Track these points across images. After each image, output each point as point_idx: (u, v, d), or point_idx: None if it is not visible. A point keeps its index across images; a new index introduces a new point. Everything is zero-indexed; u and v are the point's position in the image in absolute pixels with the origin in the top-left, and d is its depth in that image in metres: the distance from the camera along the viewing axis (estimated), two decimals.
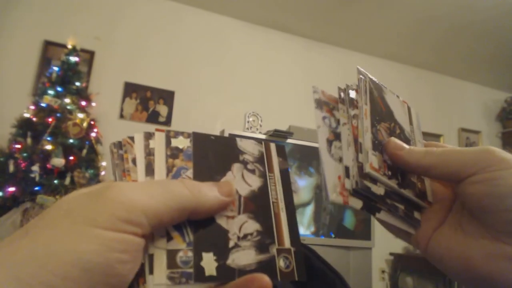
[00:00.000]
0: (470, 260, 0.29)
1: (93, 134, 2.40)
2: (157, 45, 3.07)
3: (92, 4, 2.92)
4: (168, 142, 0.29)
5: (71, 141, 2.24)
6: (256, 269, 0.27)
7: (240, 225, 0.28)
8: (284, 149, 0.34)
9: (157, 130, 0.30)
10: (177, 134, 0.30)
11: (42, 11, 2.76)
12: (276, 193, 0.31)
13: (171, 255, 0.25)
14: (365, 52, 3.79)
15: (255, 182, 0.31)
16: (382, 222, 0.34)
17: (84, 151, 2.30)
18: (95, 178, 2.29)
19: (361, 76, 0.36)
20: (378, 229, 2.76)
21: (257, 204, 0.30)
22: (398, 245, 3.44)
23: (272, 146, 0.34)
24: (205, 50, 3.23)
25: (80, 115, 2.33)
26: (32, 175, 2.08)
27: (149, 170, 0.28)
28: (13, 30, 2.67)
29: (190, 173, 0.28)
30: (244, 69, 3.33)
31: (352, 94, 0.36)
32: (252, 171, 0.31)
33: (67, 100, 2.31)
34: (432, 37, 3.40)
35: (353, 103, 0.35)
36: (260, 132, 3.04)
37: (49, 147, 2.14)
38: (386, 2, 2.93)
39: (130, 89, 2.93)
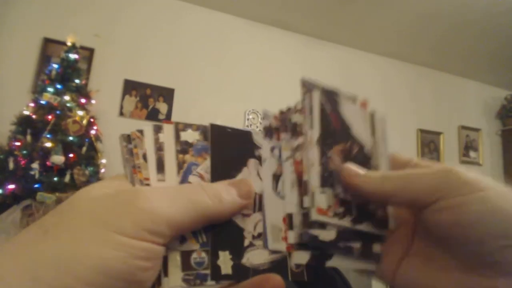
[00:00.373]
0: None
1: (92, 132, 2.40)
2: (157, 43, 3.06)
3: (92, 1, 2.91)
4: (177, 136, 0.28)
5: (70, 138, 2.23)
6: (269, 269, 0.27)
7: (255, 223, 0.28)
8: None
9: (165, 122, 0.29)
10: (186, 127, 0.29)
11: (42, 9, 2.75)
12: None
13: (185, 256, 0.25)
14: (365, 49, 3.79)
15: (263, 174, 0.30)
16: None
17: (84, 149, 2.30)
18: (95, 176, 2.29)
19: (307, 90, 0.31)
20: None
21: None
22: None
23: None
24: (205, 48, 3.22)
25: (80, 113, 2.33)
26: (32, 173, 2.07)
27: (160, 166, 0.27)
28: (13, 28, 2.66)
29: (201, 169, 0.28)
30: (244, 67, 3.32)
31: (296, 118, 0.31)
32: None
33: (67, 98, 2.31)
34: (432, 34, 3.39)
35: (296, 131, 0.31)
36: (260, 130, 3.04)
37: (48, 144, 2.14)
38: (386, 0, 2.92)
39: (130, 87, 2.92)
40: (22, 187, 2.05)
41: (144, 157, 0.27)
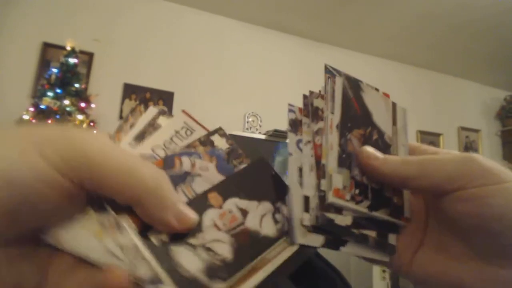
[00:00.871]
0: (462, 286, 0.25)
1: None
2: (156, 46, 3.07)
3: (91, 6, 2.92)
4: (211, 133, 0.30)
5: None
6: (184, 279, 0.23)
7: (215, 239, 0.25)
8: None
9: (183, 111, 0.30)
10: (224, 135, 0.30)
11: (41, 13, 2.76)
12: (277, 255, 0.28)
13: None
14: (363, 51, 3.79)
15: (268, 229, 0.28)
16: (349, 255, 0.29)
17: None
18: None
19: (329, 75, 0.32)
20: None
21: (249, 244, 0.27)
22: None
23: None
24: (204, 51, 3.23)
25: (80, 117, 2.33)
26: None
27: (139, 136, 0.28)
28: (12, 32, 2.67)
29: (199, 162, 0.28)
30: (243, 70, 3.33)
31: (317, 102, 0.31)
32: (276, 222, 0.29)
33: (67, 102, 2.31)
34: (431, 36, 3.40)
35: (317, 115, 0.31)
36: (259, 132, 3.04)
37: None
38: (384, 1, 2.93)
39: (130, 90, 2.93)
40: None
41: (132, 126, 0.29)
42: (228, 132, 0.31)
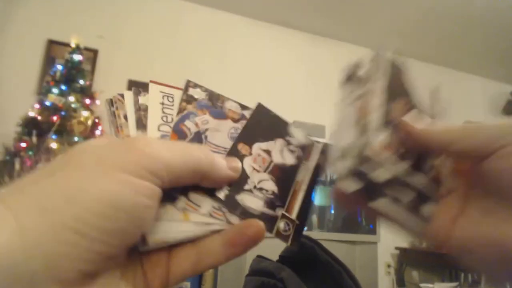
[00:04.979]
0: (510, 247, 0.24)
1: (98, 132, 2.41)
2: (160, 43, 3.07)
3: (96, 2, 2.93)
4: (186, 89, 0.33)
5: (76, 139, 2.25)
6: (257, 216, 0.29)
7: (261, 179, 0.31)
8: (328, 149, 0.33)
9: (151, 82, 0.33)
10: (196, 85, 0.34)
11: (46, 10, 2.77)
12: (303, 176, 0.33)
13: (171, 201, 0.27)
14: (369, 46, 3.76)
15: (289, 159, 0.33)
16: (382, 214, 0.29)
17: None
18: None
19: (377, 54, 0.35)
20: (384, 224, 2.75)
21: (283, 175, 0.32)
22: (404, 240, 3.43)
23: (320, 144, 0.35)
24: (209, 47, 3.22)
25: (85, 113, 2.34)
26: None
27: (140, 124, 0.30)
28: (17, 30, 2.68)
29: (198, 119, 0.31)
30: (248, 65, 3.33)
31: (361, 72, 0.34)
32: (292, 152, 0.34)
33: (72, 99, 2.32)
34: (437, 30, 3.38)
35: (361, 81, 0.33)
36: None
37: (54, 145, 2.16)
38: None
39: (134, 87, 2.93)
40: None
41: (126, 117, 0.30)
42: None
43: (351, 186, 0.28)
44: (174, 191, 0.27)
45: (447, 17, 3.16)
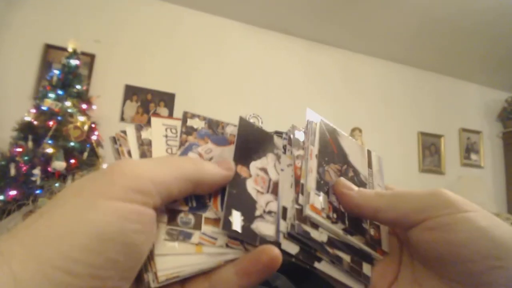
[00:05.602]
0: None
1: (94, 137, 2.40)
2: (157, 48, 3.07)
3: (93, 7, 2.93)
4: (184, 121, 0.32)
5: (72, 144, 2.24)
6: (275, 242, 0.28)
7: (267, 201, 0.30)
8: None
9: (153, 115, 0.32)
10: (193, 116, 0.33)
11: (43, 15, 2.77)
12: None
13: (172, 213, 0.26)
14: (366, 53, 3.79)
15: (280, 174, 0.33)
16: (323, 274, 0.29)
17: (85, 154, 2.30)
18: None
19: (311, 119, 0.35)
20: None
21: None
22: None
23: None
24: (206, 53, 3.23)
25: (81, 118, 2.33)
26: (33, 179, 2.07)
27: (144, 157, 0.30)
28: (14, 34, 2.67)
29: (201, 149, 0.31)
30: (245, 71, 3.33)
31: (298, 135, 0.34)
32: None
33: (68, 103, 2.31)
34: (433, 38, 3.40)
35: (298, 144, 0.34)
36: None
37: (50, 150, 2.14)
38: (387, 4, 2.93)
39: (131, 92, 2.93)
40: (23, 193, 2.05)
41: (129, 153, 0.30)
42: (229, 133, 0.34)
43: (294, 248, 0.28)
44: (177, 212, 0.26)
45: (444, 25, 3.18)
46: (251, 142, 0.32)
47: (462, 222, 0.24)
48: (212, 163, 0.28)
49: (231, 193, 0.28)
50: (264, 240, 0.27)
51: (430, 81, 4.08)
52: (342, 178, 0.32)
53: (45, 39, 2.73)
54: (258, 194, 0.30)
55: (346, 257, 0.30)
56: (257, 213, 0.28)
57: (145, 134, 0.31)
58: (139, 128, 0.31)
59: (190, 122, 0.32)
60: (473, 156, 4.10)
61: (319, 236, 0.29)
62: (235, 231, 0.26)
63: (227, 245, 0.27)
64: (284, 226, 0.28)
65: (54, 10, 2.80)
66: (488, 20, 3.07)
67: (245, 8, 3.19)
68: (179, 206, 0.27)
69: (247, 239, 0.27)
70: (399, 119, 3.78)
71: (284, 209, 0.29)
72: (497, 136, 4.28)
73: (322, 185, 0.31)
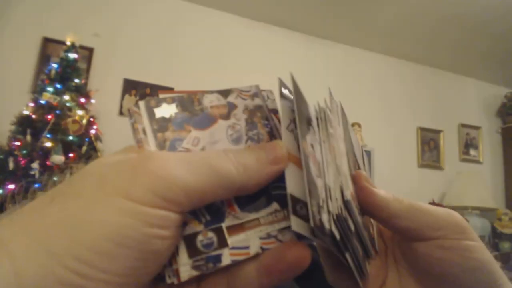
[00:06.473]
0: None
1: (92, 131, 2.40)
2: (156, 42, 3.06)
3: (91, 0, 2.91)
4: (151, 114, 0.25)
5: (70, 138, 2.23)
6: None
7: (321, 186, 0.25)
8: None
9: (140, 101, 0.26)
10: (159, 102, 0.25)
11: (41, 8, 2.75)
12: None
13: (190, 241, 0.22)
14: (364, 47, 3.78)
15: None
16: (335, 267, 0.29)
17: (84, 148, 2.30)
18: None
19: (334, 98, 0.32)
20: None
21: None
22: None
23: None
24: (205, 47, 3.21)
25: (80, 112, 2.32)
26: (32, 172, 2.07)
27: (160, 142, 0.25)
28: (12, 27, 2.66)
29: (187, 143, 0.25)
30: (244, 65, 3.32)
31: (328, 112, 0.30)
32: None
33: (67, 97, 2.30)
34: (432, 33, 3.39)
35: (330, 121, 0.29)
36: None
37: (48, 144, 2.14)
38: None
39: (130, 86, 2.92)
40: (22, 187, 2.05)
41: (144, 131, 0.25)
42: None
43: (337, 234, 0.24)
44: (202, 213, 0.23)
45: (440, 19, 3.17)
46: (302, 112, 0.26)
47: (475, 251, 0.26)
48: (256, 154, 0.23)
49: (311, 181, 0.22)
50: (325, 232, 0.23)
51: (430, 77, 4.07)
52: (362, 171, 0.30)
53: (44, 32, 2.71)
54: (316, 178, 0.24)
55: (360, 250, 0.28)
56: (321, 202, 0.23)
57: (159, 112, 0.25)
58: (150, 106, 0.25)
59: (158, 112, 0.25)
60: (472, 152, 4.10)
61: (351, 225, 0.26)
62: (329, 230, 0.22)
63: (262, 249, 0.23)
64: (333, 207, 0.24)
65: (52, 3, 2.78)
66: (488, 17, 3.06)
67: (245, 3, 3.18)
68: (193, 227, 0.22)
69: (324, 238, 0.22)
70: (398, 114, 3.77)
71: (328, 188, 0.24)
72: (496, 131, 4.28)
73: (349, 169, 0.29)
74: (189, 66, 3.12)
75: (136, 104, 0.25)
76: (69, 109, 2.29)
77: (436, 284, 0.27)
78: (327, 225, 0.22)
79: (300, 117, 0.24)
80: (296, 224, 0.22)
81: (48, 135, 2.16)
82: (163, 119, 0.25)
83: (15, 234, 0.18)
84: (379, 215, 0.29)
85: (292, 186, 0.23)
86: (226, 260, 0.22)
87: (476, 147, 4.13)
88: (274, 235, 0.23)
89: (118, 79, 2.89)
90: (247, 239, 0.23)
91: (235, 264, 0.23)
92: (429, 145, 3.89)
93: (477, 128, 4.17)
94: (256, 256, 0.23)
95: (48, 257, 0.17)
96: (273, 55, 3.45)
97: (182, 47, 3.14)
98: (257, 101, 0.28)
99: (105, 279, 0.18)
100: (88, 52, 2.79)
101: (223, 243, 0.22)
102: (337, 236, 0.23)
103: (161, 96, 0.26)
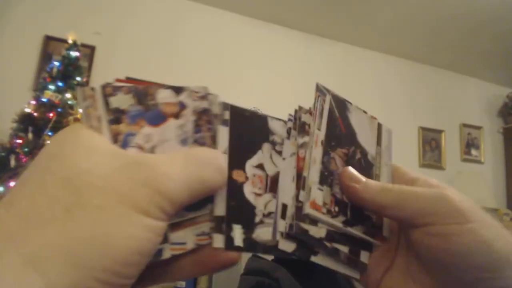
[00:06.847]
0: None
1: None
2: (158, 40, 3.06)
3: None
4: (106, 104, 0.24)
5: None
6: (275, 246, 0.28)
7: (266, 203, 0.29)
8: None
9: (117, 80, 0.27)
10: (115, 91, 0.25)
11: (43, 6, 2.75)
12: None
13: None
14: (366, 47, 3.78)
15: (281, 163, 0.30)
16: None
17: None
18: None
19: (319, 94, 0.32)
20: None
21: None
22: None
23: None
24: (205, 45, 3.21)
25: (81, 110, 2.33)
26: None
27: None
28: (14, 25, 2.66)
29: (139, 138, 0.24)
30: (244, 64, 3.32)
31: (304, 118, 0.32)
32: (279, 153, 0.31)
33: (68, 95, 2.31)
34: (434, 32, 3.38)
35: (303, 129, 0.31)
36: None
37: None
38: None
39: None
40: None
41: (99, 119, 0.24)
42: None
43: (290, 246, 0.28)
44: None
45: (443, 19, 3.16)
46: (245, 136, 0.29)
47: (466, 234, 0.25)
48: (222, 156, 0.27)
49: (231, 206, 0.27)
50: (266, 247, 0.27)
51: (431, 76, 4.07)
52: (348, 169, 0.31)
53: (45, 30, 2.72)
54: (256, 197, 0.28)
55: (344, 249, 0.30)
56: (257, 219, 0.28)
57: (115, 101, 0.24)
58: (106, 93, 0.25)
59: (114, 103, 0.24)
60: (474, 152, 4.10)
61: (318, 232, 0.28)
62: (238, 247, 0.26)
63: (197, 245, 0.26)
64: (282, 225, 0.28)
65: (54, 2, 2.78)
66: (490, 16, 3.05)
67: (245, 1, 3.18)
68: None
69: (251, 250, 0.27)
70: (399, 114, 3.77)
71: (284, 207, 0.29)
72: (498, 131, 4.28)
73: (326, 177, 0.30)
74: (189, 64, 3.12)
75: (91, 88, 0.25)
76: (71, 107, 2.29)
77: (435, 270, 0.27)
78: (236, 243, 0.26)
79: (232, 149, 0.28)
80: (217, 241, 0.26)
81: (49, 133, 2.17)
82: (118, 110, 0.25)
83: (42, 249, 0.18)
84: (369, 208, 0.30)
85: (220, 208, 0.27)
86: (166, 254, 0.24)
87: (477, 147, 4.13)
88: (208, 233, 0.26)
89: (120, 77, 2.87)
90: (185, 236, 0.25)
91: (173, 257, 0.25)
92: (430, 144, 3.89)
93: (478, 128, 4.17)
94: (192, 250, 0.26)
95: (77, 271, 0.18)
96: (273, 53, 3.45)
97: (183, 45, 3.14)
98: (205, 103, 0.29)
99: (122, 283, 0.20)
100: (89, 50, 2.80)
101: (164, 239, 0.24)
102: (289, 250, 0.27)
103: (117, 84, 0.26)
